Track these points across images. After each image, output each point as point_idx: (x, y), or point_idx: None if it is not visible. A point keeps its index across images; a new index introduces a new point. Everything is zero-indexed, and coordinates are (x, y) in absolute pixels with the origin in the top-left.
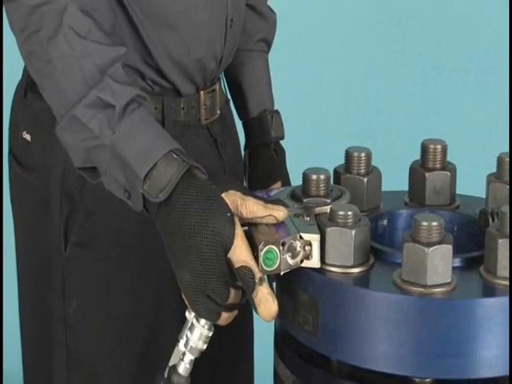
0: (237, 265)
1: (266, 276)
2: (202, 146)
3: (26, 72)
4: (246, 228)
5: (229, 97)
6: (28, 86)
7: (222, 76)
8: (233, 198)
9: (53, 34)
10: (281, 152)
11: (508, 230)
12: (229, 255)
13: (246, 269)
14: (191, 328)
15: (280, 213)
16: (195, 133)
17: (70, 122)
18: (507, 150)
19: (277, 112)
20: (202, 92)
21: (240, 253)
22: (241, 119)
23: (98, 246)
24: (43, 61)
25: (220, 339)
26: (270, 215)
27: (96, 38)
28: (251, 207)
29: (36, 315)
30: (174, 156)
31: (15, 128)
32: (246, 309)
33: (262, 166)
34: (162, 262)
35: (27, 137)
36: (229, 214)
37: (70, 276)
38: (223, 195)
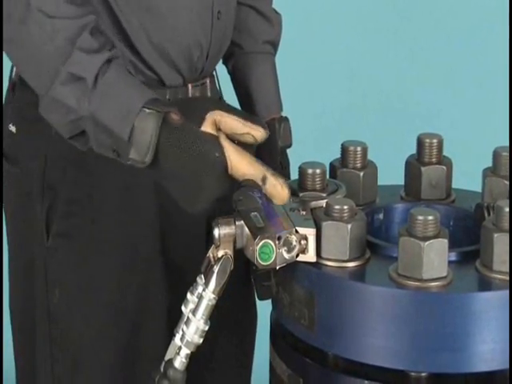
0: (240, 179)
1: (270, 170)
2: None
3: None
4: (242, 222)
5: (224, 97)
6: (17, 79)
7: (216, 74)
8: (212, 119)
9: (23, 18)
10: (286, 164)
11: (504, 225)
12: (230, 173)
13: (248, 182)
14: (187, 322)
15: (258, 132)
16: None
17: (50, 102)
18: (503, 144)
19: (285, 119)
20: (189, 85)
21: (237, 168)
22: None
23: (79, 236)
24: (19, 46)
25: (222, 332)
26: (248, 133)
27: (65, 13)
28: (229, 124)
29: (24, 307)
30: (147, 111)
31: (4, 120)
32: (249, 306)
33: None
34: (147, 253)
35: (13, 129)
36: (214, 144)
37: (52, 266)
38: (205, 118)
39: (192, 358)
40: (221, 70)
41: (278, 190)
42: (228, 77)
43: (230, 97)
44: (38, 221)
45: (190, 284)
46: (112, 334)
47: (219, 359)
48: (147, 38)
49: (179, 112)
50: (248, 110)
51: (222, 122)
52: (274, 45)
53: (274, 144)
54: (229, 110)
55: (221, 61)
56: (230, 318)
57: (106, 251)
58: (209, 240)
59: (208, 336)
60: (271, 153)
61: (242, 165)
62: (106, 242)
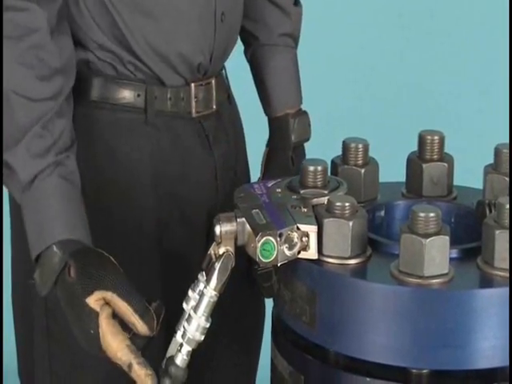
0: (112, 359)
1: (137, 359)
2: (190, 140)
3: None
4: (243, 219)
5: (232, 94)
6: None
7: (225, 71)
8: (101, 296)
9: None
10: (298, 160)
11: (506, 221)
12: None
13: (119, 362)
14: (188, 319)
15: (141, 328)
16: (184, 125)
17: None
18: (504, 141)
19: (303, 113)
20: (192, 84)
21: (107, 349)
22: (266, 115)
23: None
24: None
25: (223, 330)
26: (134, 323)
27: (29, 92)
28: (118, 307)
29: (23, 302)
30: (54, 249)
31: None
32: (254, 303)
33: (275, 171)
34: (143, 247)
35: None
36: (91, 321)
37: None
38: (95, 293)
39: (193, 355)
40: (233, 64)
41: (140, 380)
42: (240, 72)
43: (239, 92)
44: None
45: (184, 279)
46: None
47: (221, 357)
48: (145, 41)
49: (78, 267)
50: (264, 102)
51: (111, 302)
52: (293, 37)
53: (287, 139)
54: (128, 289)
55: (231, 55)
56: (231, 316)
57: (102, 248)
58: (210, 237)
59: (209, 334)
60: (284, 148)
61: (111, 348)
62: (101, 238)
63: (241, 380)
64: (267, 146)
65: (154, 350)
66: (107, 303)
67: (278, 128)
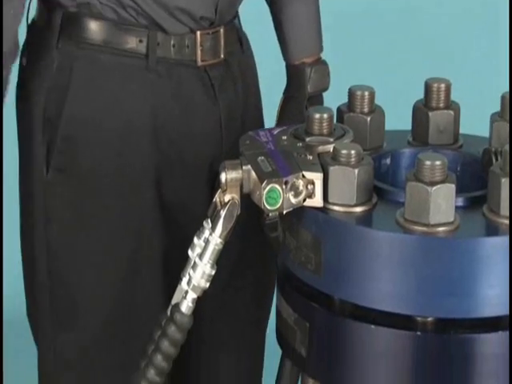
0: None
1: None
2: (194, 88)
3: None
4: (249, 166)
5: (246, 42)
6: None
7: (238, 19)
8: None
9: None
10: None
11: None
12: None
13: None
14: (194, 266)
15: None
16: (188, 73)
17: None
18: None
19: (321, 62)
20: (198, 32)
21: None
22: (285, 61)
23: (75, 173)
24: None
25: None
26: None
27: None
28: None
29: (27, 243)
30: None
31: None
32: (269, 258)
33: (289, 119)
34: (143, 196)
35: (23, 61)
36: None
37: (51, 200)
38: None
39: (202, 304)
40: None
41: None
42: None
43: (261, 38)
44: (38, 154)
45: (186, 227)
46: (109, 273)
47: (227, 306)
48: None
49: None
50: (282, 50)
51: None
52: None
53: (302, 89)
54: None
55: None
56: (242, 265)
57: (100, 191)
58: (214, 184)
59: (219, 282)
60: (298, 97)
61: None
62: (101, 184)
63: (247, 330)
64: (284, 93)
65: (156, 300)
66: None
67: (294, 76)
